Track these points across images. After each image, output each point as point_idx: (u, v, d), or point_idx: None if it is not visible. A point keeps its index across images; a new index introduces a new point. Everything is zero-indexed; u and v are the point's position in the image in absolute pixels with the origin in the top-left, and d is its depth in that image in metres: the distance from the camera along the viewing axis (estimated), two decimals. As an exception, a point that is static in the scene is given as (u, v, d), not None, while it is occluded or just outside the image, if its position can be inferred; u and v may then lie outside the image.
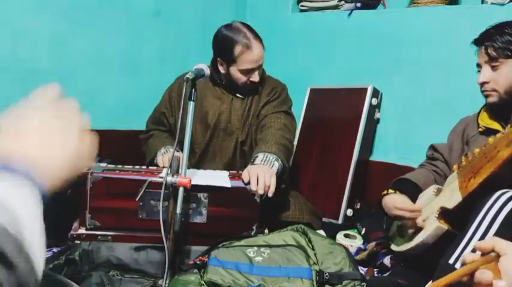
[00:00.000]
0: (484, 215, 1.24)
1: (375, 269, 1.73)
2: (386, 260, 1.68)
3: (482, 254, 0.77)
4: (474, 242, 1.23)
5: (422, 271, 1.39)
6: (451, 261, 1.25)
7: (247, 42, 1.83)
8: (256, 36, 1.87)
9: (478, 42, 1.54)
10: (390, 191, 1.63)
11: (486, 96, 1.54)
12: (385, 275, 1.62)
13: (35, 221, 0.44)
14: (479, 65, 1.55)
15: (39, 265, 0.42)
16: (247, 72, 1.87)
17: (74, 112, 0.56)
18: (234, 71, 1.88)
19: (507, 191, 1.25)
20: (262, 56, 1.87)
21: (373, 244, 1.82)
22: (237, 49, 1.83)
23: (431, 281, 1.28)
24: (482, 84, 1.53)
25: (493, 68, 1.49)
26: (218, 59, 1.91)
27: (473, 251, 0.79)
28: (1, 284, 0.37)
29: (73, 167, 0.53)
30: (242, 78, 1.88)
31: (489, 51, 1.48)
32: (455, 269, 1.21)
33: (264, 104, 1.96)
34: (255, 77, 1.88)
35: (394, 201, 1.56)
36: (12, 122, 0.51)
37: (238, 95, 1.96)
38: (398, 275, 1.52)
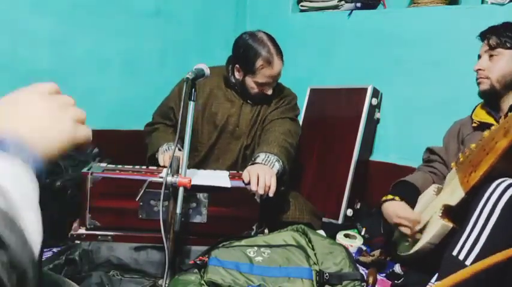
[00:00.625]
0: (483, 204, 1.24)
1: (382, 275, 1.73)
2: (398, 268, 1.67)
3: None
4: (476, 232, 1.23)
5: (434, 270, 1.39)
6: (454, 253, 1.25)
7: (270, 57, 1.84)
8: (279, 52, 1.88)
9: (482, 34, 1.61)
10: (389, 196, 1.63)
11: (479, 84, 1.60)
12: (398, 282, 1.62)
13: (30, 199, 0.43)
14: (479, 56, 1.61)
15: (35, 244, 0.41)
16: (262, 85, 1.89)
17: (68, 101, 0.55)
18: (249, 81, 1.90)
19: (505, 180, 1.25)
20: (279, 74, 1.89)
21: (377, 252, 1.82)
22: (259, 62, 1.84)
23: (436, 275, 1.28)
24: (477, 71, 1.59)
25: (491, 57, 1.56)
26: (236, 65, 1.92)
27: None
28: None
29: (67, 139, 0.52)
30: (255, 89, 1.91)
31: (490, 41, 1.55)
32: (459, 260, 1.22)
33: (272, 110, 1.98)
34: (269, 91, 1.91)
35: (396, 210, 1.57)
36: (2, 103, 0.50)
37: (248, 101, 1.97)
38: (412, 281, 1.52)
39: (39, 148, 0.48)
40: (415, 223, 1.50)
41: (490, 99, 1.60)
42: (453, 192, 1.43)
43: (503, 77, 1.54)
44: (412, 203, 1.61)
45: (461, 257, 1.23)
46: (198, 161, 1.96)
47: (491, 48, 1.55)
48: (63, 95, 0.56)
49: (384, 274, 1.73)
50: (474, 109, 1.68)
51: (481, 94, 1.61)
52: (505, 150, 1.28)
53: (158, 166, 1.82)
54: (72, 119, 0.53)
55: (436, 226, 1.41)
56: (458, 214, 1.40)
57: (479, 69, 1.58)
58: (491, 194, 1.24)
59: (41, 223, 0.43)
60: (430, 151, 1.79)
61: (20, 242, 0.38)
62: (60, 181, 1.79)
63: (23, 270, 0.38)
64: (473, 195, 1.33)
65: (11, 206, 0.39)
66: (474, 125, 1.62)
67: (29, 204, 0.42)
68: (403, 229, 1.53)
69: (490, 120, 1.57)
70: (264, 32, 1.93)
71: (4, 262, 0.36)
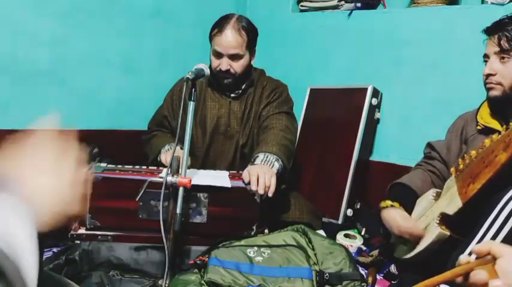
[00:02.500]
0: (498, 211, 1.23)
1: (381, 275, 1.73)
2: (393, 268, 1.68)
3: (478, 258, 0.78)
4: (488, 238, 1.22)
5: (428, 273, 1.39)
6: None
7: (224, 26, 1.87)
8: (237, 28, 1.87)
9: (490, 31, 1.47)
10: (388, 202, 1.60)
11: (489, 89, 1.48)
12: (394, 283, 1.62)
13: (31, 242, 0.45)
14: (487, 56, 1.48)
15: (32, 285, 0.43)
16: (217, 55, 1.89)
17: (70, 154, 0.57)
18: (211, 50, 1.92)
19: None
20: (231, 46, 1.86)
21: (376, 252, 1.82)
22: (215, 30, 1.90)
23: None
24: (487, 76, 1.46)
25: (502, 60, 1.43)
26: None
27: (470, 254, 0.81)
28: None
29: (63, 208, 0.54)
30: (214, 62, 1.91)
31: (502, 42, 1.41)
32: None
33: (265, 106, 1.96)
34: (222, 65, 1.88)
35: (397, 221, 1.52)
36: (13, 157, 0.52)
37: (232, 94, 1.96)
38: (407, 282, 1.52)
39: (40, 203, 0.50)
40: (415, 238, 1.48)
41: (499, 105, 1.49)
42: (451, 201, 1.43)
43: None
44: (410, 208, 1.60)
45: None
46: (197, 167, 1.95)
47: (503, 50, 1.41)
48: (67, 142, 0.57)
49: (382, 275, 1.74)
50: (480, 106, 1.59)
51: (491, 100, 1.50)
52: (504, 164, 1.27)
53: (163, 166, 1.81)
54: (73, 181, 0.55)
55: (434, 234, 1.42)
56: (455, 223, 1.41)
57: (490, 75, 1.44)
58: (508, 201, 1.22)
59: (37, 263, 0.45)
60: (431, 146, 1.76)
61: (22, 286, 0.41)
62: (60, 181, 1.79)
63: None
64: (471, 206, 1.34)
65: (17, 255, 0.42)
66: (479, 127, 1.55)
67: (31, 249, 0.45)
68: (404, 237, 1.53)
69: (496, 125, 1.49)
70: (244, 16, 1.96)
71: None
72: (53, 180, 0.53)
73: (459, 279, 0.78)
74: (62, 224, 0.54)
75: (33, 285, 0.43)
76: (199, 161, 1.97)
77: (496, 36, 1.43)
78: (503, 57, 1.43)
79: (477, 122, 1.57)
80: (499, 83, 1.44)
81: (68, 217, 0.55)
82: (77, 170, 0.56)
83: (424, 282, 0.79)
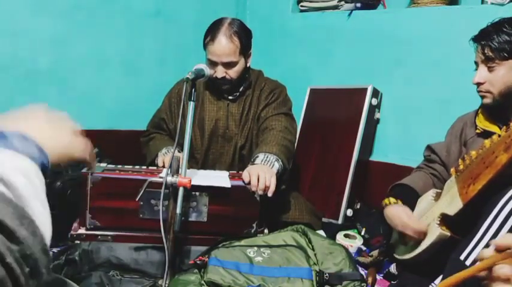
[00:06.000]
0: (498, 212, 1.23)
1: (381, 275, 1.73)
2: (393, 268, 1.68)
3: (499, 252, 0.78)
4: (487, 238, 1.23)
5: (428, 273, 1.40)
6: (462, 257, 1.25)
7: (216, 34, 1.85)
8: (229, 35, 1.85)
9: (476, 39, 1.50)
10: (392, 200, 1.60)
11: (481, 97, 1.51)
12: (394, 283, 1.62)
13: (38, 193, 0.44)
14: (476, 63, 1.52)
15: (46, 233, 0.42)
16: (212, 64, 1.87)
17: (64, 116, 0.62)
18: (207, 59, 1.90)
19: None
20: (224, 54, 1.84)
21: (376, 252, 1.82)
22: (207, 39, 1.88)
23: (441, 276, 1.29)
24: (477, 84, 1.50)
25: (489, 68, 1.46)
26: None
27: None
28: (2, 256, 0.36)
29: (65, 153, 0.59)
30: (209, 69, 1.88)
31: (485, 51, 1.44)
32: (465, 265, 1.22)
33: (264, 107, 1.96)
34: (217, 73, 1.87)
35: (401, 217, 1.53)
36: (5, 117, 0.56)
37: (230, 97, 1.96)
38: (407, 282, 1.52)
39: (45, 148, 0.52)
40: (420, 235, 1.49)
41: (495, 111, 1.52)
42: (451, 201, 1.43)
43: (508, 88, 1.44)
44: (412, 207, 1.60)
45: (468, 262, 1.23)
46: (197, 169, 1.95)
47: (488, 59, 1.44)
48: (58, 111, 0.61)
49: (382, 275, 1.74)
50: (479, 108, 1.61)
51: (484, 106, 1.53)
52: (505, 165, 1.27)
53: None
54: (71, 130, 0.60)
55: (434, 234, 1.42)
56: (456, 223, 1.41)
57: (479, 83, 1.48)
58: (506, 202, 1.23)
59: (49, 213, 0.45)
60: (430, 149, 1.76)
61: (31, 233, 0.39)
62: (60, 181, 1.79)
63: (34, 260, 0.39)
64: (471, 206, 1.34)
65: (20, 199, 0.41)
66: (478, 131, 1.56)
67: (37, 197, 0.44)
68: (407, 235, 1.53)
69: (494, 128, 1.51)
70: (235, 19, 1.94)
71: (16, 255, 0.37)
72: (52, 137, 0.56)
73: (483, 273, 0.78)
74: (67, 164, 0.59)
75: (48, 234, 0.42)
76: (199, 163, 1.97)
77: (480, 46, 1.47)
78: (489, 66, 1.45)
79: (476, 125, 1.58)
80: (488, 91, 1.47)
81: (73, 159, 0.60)
82: (72, 129, 0.62)
83: (449, 278, 0.79)
